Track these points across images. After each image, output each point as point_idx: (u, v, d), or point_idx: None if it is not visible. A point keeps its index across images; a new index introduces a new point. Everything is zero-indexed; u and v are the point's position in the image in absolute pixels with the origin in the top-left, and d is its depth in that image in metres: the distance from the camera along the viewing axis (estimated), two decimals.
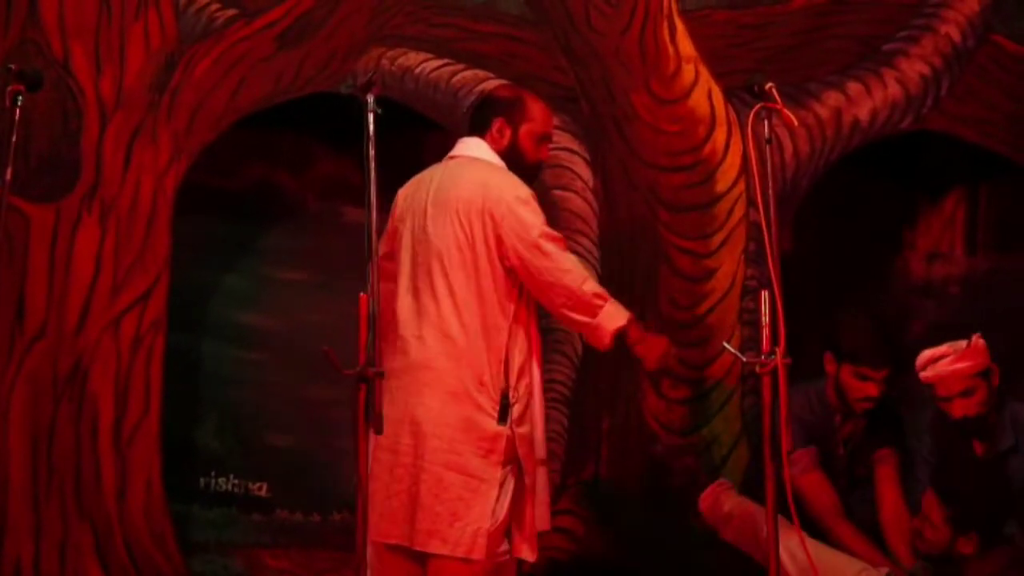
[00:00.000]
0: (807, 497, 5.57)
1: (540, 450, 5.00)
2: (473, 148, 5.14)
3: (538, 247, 4.91)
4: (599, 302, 4.94)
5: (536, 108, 5.20)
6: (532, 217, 4.95)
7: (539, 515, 5.00)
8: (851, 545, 5.73)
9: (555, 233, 5.01)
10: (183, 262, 6.04)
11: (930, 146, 6.69)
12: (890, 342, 5.89)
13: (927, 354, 5.66)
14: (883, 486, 5.90)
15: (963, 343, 5.64)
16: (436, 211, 5.01)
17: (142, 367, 5.91)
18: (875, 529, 5.91)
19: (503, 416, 4.87)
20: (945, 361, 5.62)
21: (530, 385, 4.98)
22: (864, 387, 5.76)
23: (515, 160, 5.14)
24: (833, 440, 5.87)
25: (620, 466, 6.22)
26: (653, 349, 5.08)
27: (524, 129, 5.15)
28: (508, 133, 5.14)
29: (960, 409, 5.63)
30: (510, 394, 4.90)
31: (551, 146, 5.57)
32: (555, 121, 5.37)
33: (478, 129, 5.19)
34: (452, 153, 5.19)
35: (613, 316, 4.95)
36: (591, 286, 4.95)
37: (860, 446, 5.93)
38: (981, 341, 5.67)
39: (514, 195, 4.99)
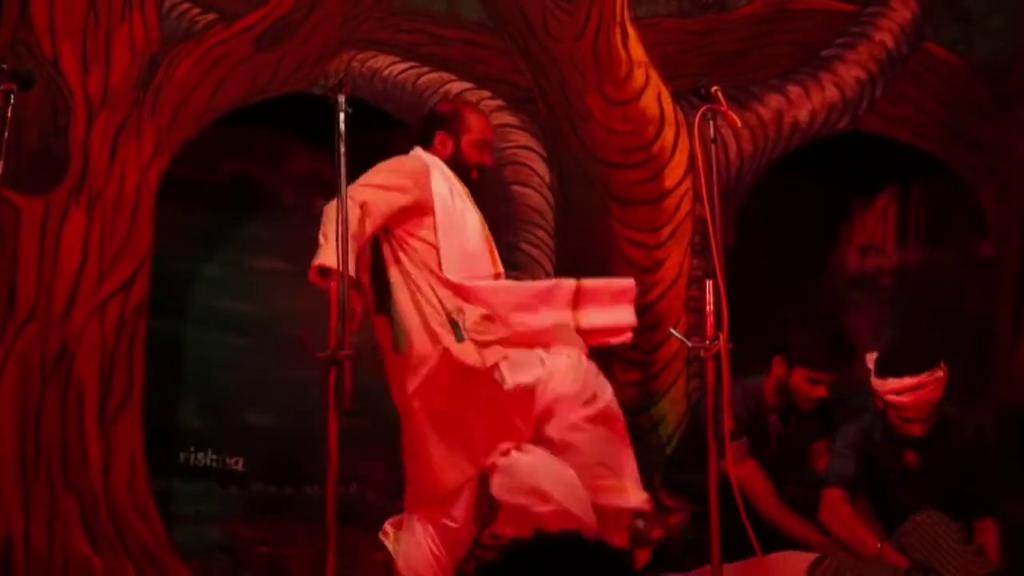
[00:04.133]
0: (745, 486, 5.44)
1: None
2: (413, 153, 5.37)
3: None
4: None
5: (473, 119, 5.43)
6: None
7: None
8: (792, 527, 5.70)
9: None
10: (165, 251, 6.04)
11: (865, 146, 6.78)
12: (843, 347, 5.87)
13: (908, 381, 5.53)
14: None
15: (940, 372, 5.55)
16: None
17: (126, 350, 5.91)
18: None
19: None
20: (926, 390, 5.51)
21: None
22: (815, 390, 5.76)
23: (460, 166, 5.34)
24: (764, 436, 5.85)
25: None
26: None
27: (465, 140, 5.37)
28: (450, 144, 5.36)
29: (918, 430, 5.59)
30: None
31: (510, 144, 5.69)
32: (492, 129, 5.49)
33: (424, 142, 5.40)
34: None
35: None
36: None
37: (793, 441, 5.93)
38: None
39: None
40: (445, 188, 5.28)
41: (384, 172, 5.15)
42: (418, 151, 5.40)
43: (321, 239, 4.93)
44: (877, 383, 5.59)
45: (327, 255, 4.86)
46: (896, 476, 5.71)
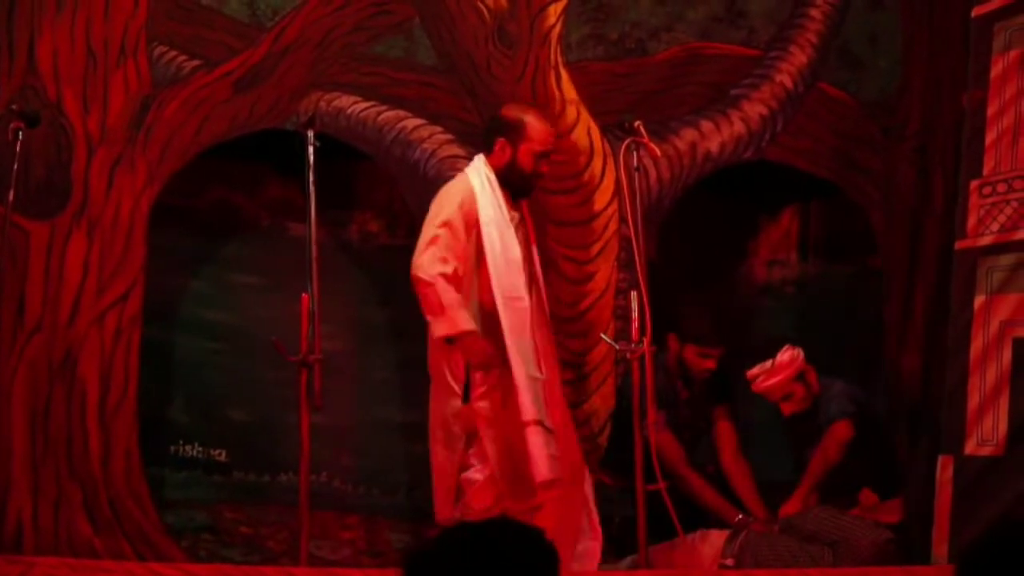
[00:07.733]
0: (662, 452, 5.69)
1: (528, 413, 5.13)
2: (471, 164, 5.43)
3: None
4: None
5: (536, 129, 5.34)
6: (424, 237, 5.17)
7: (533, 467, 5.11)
8: (699, 491, 5.93)
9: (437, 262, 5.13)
10: (156, 268, 6.05)
11: (769, 173, 6.91)
12: (723, 327, 6.09)
13: (749, 374, 5.96)
14: (722, 437, 6.13)
15: (769, 363, 5.83)
16: None
17: (122, 355, 5.92)
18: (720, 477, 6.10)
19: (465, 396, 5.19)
20: (759, 380, 5.85)
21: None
22: (705, 362, 6.01)
23: (514, 173, 5.32)
24: (675, 401, 6.07)
25: None
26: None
27: (523, 148, 5.31)
28: (508, 151, 5.33)
29: (787, 410, 5.92)
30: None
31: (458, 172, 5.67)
32: (554, 139, 5.50)
33: (485, 146, 5.43)
34: None
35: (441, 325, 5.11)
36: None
37: (699, 405, 6.15)
38: (787, 353, 5.85)
39: (434, 213, 5.24)
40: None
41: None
42: (469, 170, 5.32)
43: (436, 313, 5.08)
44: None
45: (445, 327, 5.08)
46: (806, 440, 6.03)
